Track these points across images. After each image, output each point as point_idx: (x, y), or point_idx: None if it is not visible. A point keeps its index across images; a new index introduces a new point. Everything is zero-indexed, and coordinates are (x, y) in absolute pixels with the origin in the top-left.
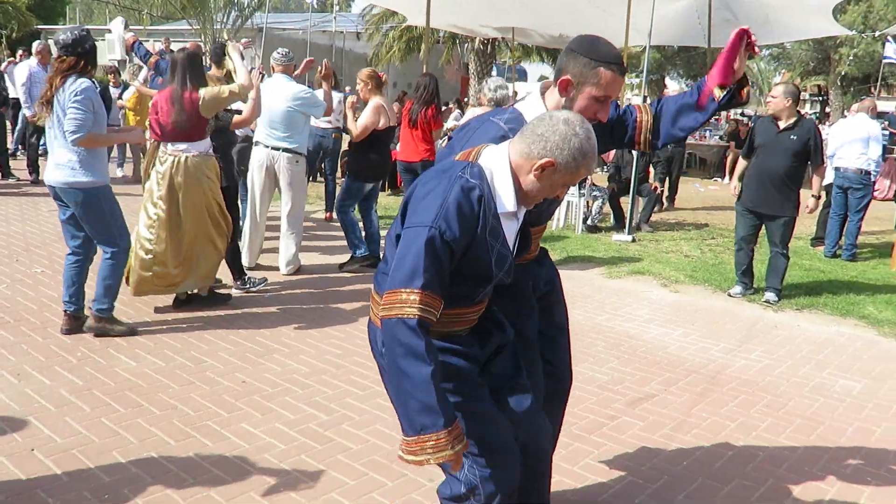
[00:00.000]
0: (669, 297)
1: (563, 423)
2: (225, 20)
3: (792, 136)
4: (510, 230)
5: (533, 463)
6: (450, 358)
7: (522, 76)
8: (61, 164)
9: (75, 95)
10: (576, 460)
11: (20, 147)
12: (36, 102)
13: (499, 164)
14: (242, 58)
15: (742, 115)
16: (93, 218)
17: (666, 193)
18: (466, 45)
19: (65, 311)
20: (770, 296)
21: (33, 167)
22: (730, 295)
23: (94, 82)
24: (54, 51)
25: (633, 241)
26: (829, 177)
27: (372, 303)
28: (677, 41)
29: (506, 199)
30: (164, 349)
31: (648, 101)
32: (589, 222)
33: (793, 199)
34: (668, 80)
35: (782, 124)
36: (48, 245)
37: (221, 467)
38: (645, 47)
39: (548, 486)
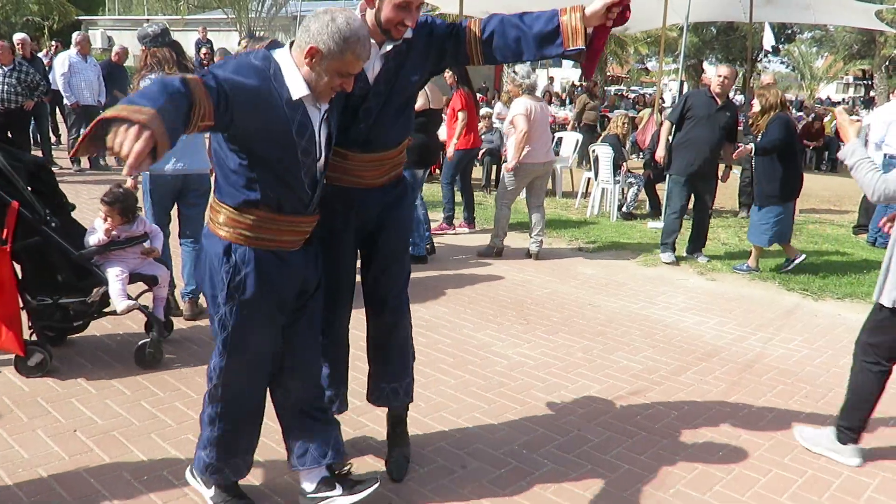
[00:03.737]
0: (706, 285)
1: (596, 410)
2: (259, 9)
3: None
4: (313, 115)
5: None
6: (272, 273)
7: (557, 61)
8: (198, 151)
9: None
10: (608, 449)
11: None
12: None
13: (283, 59)
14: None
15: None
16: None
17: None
18: None
19: (191, 297)
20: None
21: (75, 157)
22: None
23: None
24: (116, 43)
25: None
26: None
27: (211, 212)
28: (716, 17)
29: (295, 86)
30: (201, 334)
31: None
32: (624, 209)
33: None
34: (706, 65)
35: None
36: None
37: (256, 449)
38: (682, 31)
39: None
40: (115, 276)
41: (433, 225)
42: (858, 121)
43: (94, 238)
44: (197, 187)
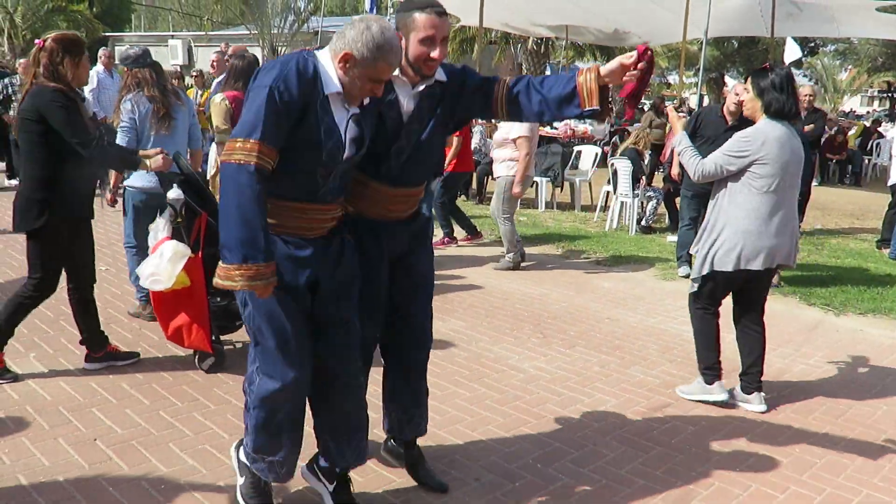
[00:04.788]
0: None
1: (612, 425)
2: (282, 25)
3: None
4: (340, 115)
5: (338, 384)
6: (286, 262)
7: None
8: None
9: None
10: (624, 464)
11: None
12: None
13: (323, 57)
14: None
15: None
16: None
17: None
18: (520, 45)
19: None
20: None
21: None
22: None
23: None
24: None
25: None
26: None
27: None
28: (737, 32)
29: (330, 82)
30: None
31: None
32: (643, 223)
33: None
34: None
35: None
36: (112, 245)
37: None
38: (702, 45)
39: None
40: None
41: (434, 240)
42: (684, 116)
43: None
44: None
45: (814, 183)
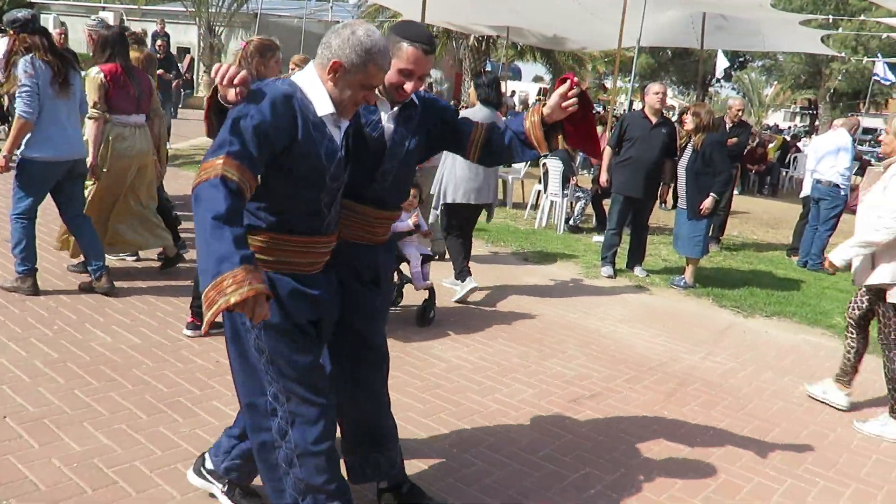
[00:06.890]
0: (644, 299)
1: (527, 414)
2: (220, 4)
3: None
4: (336, 136)
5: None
6: (296, 300)
7: (517, 75)
8: (79, 138)
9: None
10: (536, 450)
11: None
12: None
13: (307, 78)
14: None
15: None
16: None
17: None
18: (461, 41)
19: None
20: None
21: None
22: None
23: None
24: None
25: None
26: (807, 188)
27: None
28: (670, 43)
29: (321, 103)
30: (140, 326)
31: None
32: (571, 222)
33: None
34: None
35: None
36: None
37: (190, 442)
38: (637, 52)
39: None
40: (416, 258)
41: None
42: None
43: (404, 225)
44: (82, 170)
45: (735, 192)
